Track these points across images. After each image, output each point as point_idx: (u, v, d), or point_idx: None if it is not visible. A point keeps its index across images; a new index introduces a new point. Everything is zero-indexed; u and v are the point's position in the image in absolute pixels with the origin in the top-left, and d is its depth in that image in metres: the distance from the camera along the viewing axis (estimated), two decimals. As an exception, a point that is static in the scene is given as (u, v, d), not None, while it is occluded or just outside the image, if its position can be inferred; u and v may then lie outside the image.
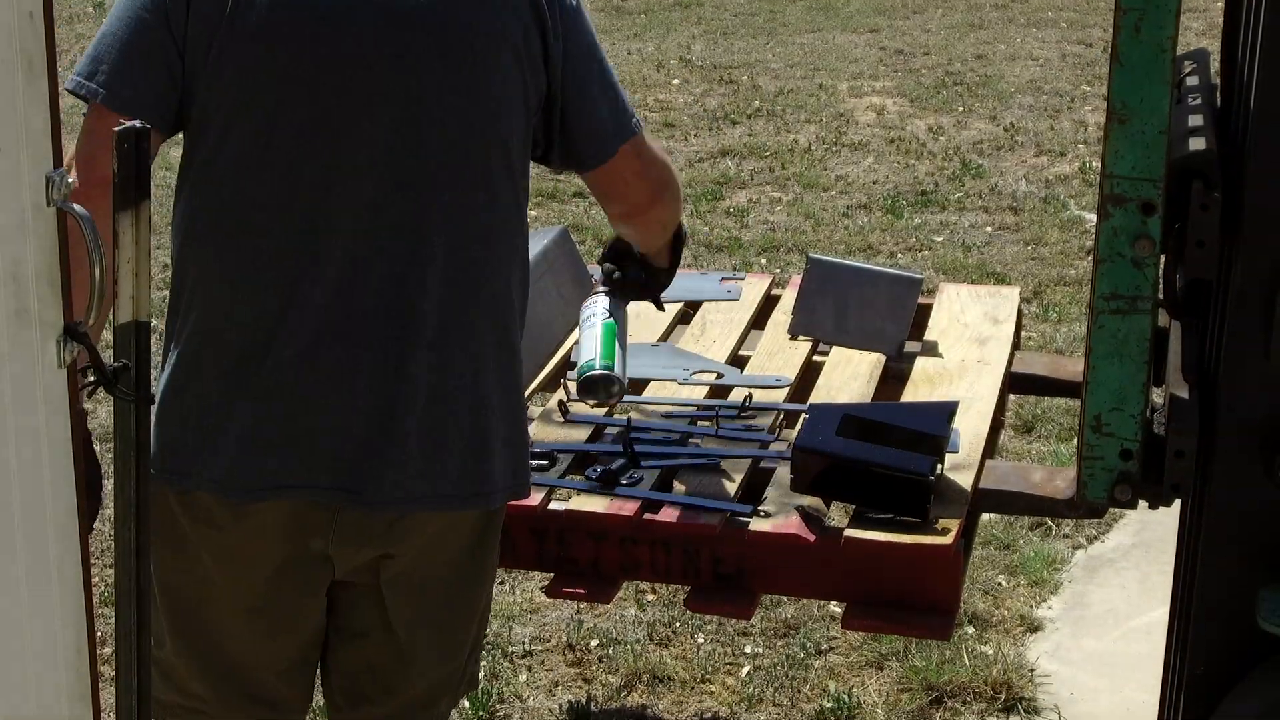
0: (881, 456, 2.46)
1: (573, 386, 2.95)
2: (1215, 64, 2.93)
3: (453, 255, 2.25)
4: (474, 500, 2.29)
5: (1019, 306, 3.27)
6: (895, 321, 3.07)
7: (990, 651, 3.72)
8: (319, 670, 2.47)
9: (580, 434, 2.78)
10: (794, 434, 2.62)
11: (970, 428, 2.73)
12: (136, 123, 1.93)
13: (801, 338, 3.15)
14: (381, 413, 2.24)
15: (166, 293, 2.38)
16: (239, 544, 2.30)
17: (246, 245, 2.25)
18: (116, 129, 1.98)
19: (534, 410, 2.95)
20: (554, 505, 2.57)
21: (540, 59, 2.31)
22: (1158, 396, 2.46)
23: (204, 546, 2.33)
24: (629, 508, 2.53)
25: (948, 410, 2.60)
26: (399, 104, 2.22)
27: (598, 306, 2.71)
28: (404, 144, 2.23)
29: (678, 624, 3.85)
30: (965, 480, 2.57)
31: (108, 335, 1.94)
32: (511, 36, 2.26)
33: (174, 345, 2.33)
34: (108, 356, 1.93)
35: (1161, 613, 3.09)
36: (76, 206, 1.89)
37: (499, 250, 2.30)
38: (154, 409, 2.19)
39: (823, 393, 2.93)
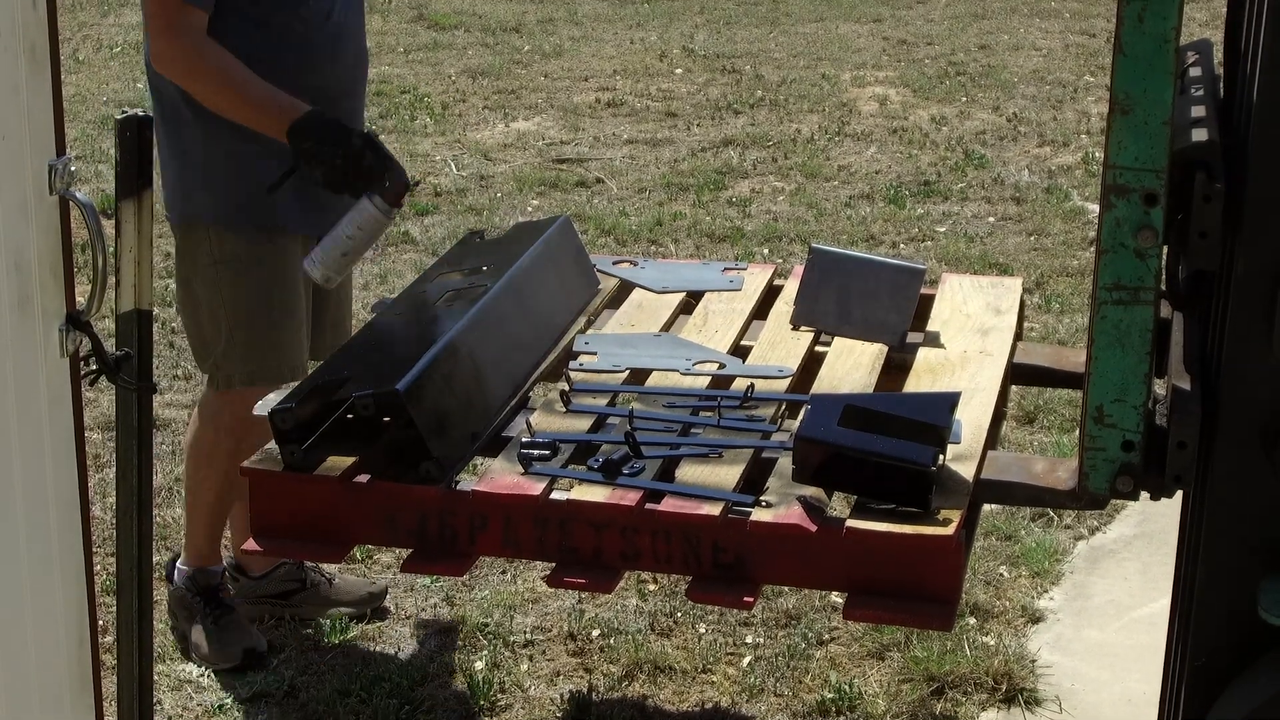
0: (883, 447, 2.46)
1: (574, 376, 2.95)
2: (1218, 54, 2.93)
3: None
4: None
5: (1021, 297, 3.27)
6: (898, 312, 3.07)
7: (991, 642, 3.72)
8: None
9: (582, 424, 2.78)
10: (796, 424, 2.62)
11: (972, 418, 2.73)
12: (138, 111, 1.94)
13: (804, 328, 3.15)
14: None
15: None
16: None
17: None
18: (118, 118, 1.99)
19: (536, 400, 2.95)
20: (556, 495, 2.57)
21: None
22: (1160, 387, 2.46)
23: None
24: (630, 497, 2.54)
25: (950, 401, 2.60)
26: None
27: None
28: None
29: (679, 614, 3.85)
30: (967, 471, 2.57)
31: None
32: None
33: None
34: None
35: (1163, 604, 3.09)
36: (79, 194, 1.89)
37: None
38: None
39: (825, 383, 2.93)
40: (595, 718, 3.48)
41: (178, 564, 3.79)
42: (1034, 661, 3.66)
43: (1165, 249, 2.37)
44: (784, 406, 2.86)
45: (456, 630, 3.81)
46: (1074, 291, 5.83)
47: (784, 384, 2.94)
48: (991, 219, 6.73)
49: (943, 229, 6.60)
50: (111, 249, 2.01)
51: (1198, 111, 2.47)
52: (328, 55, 3.44)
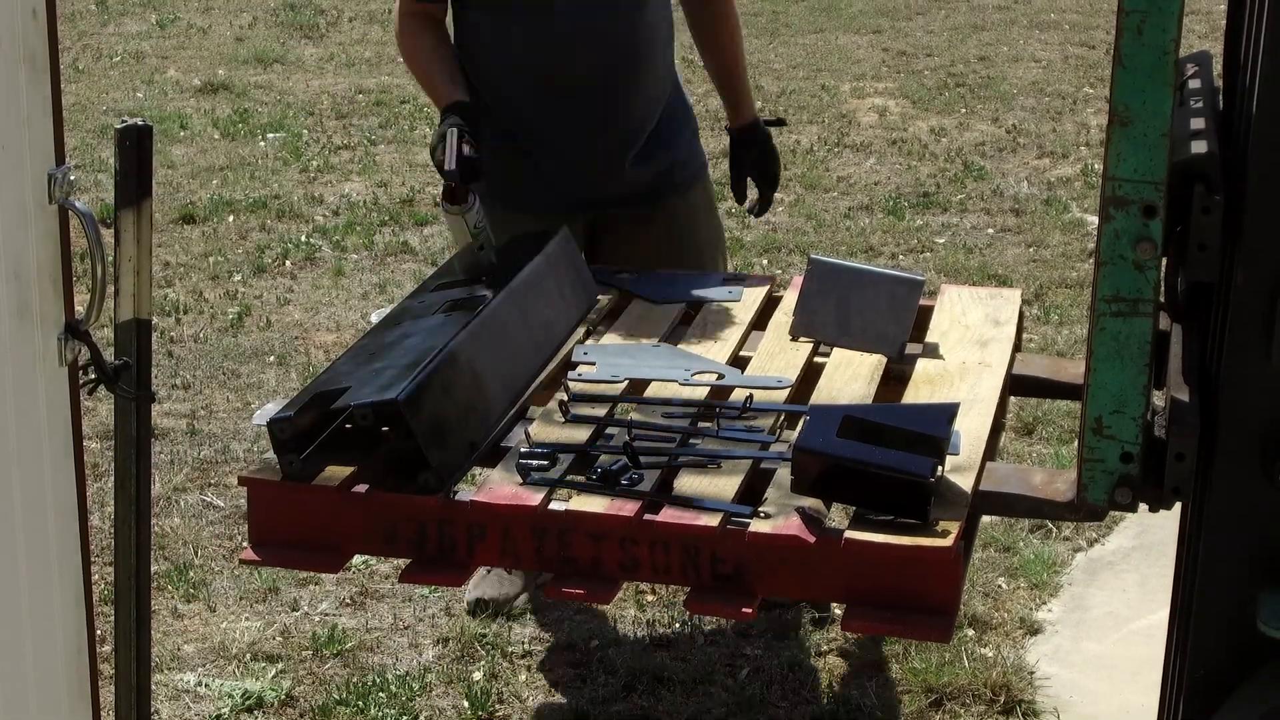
0: (882, 458, 2.46)
1: (574, 386, 2.95)
2: (1218, 66, 2.93)
3: None
4: None
5: (1020, 308, 3.27)
6: (896, 323, 3.07)
7: (990, 654, 3.72)
8: None
9: (581, 434, 2.78)
10: (794, 435, 2.62)
11: (971, 429, 2.73)
12: (138, 120, 1.94)
13: (803, 339, 3.15)
14: None
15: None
16: None
17: None
18: (118, 127, 1.99)
19: (535, 410, 2.95)
20: (554, 505, 2.57)
21: None
22: (1158, 399, 2.46)
23: None
24: (629, 508, 2.53)
25: (948, 412, 2.60)
26: None
27: None
28: None
29: (677, 625, 3.85)
30: (965, 482, 2.57)
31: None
32: None
33: None
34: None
35: (1161, 616, 3.09)
36: (78, 204, 1.89)
37: None
38: None
39: (823, 394, 2.93)
40: (593, 728, 3.48)
41: None
42: (1032, 673, 3.66)
43: (1164, 261, 2.37)
44: (783, 417, 2.86)
45: (455, 640, 3.81)
46: (1073, 303, 5.83)
47: (783, 395, 2.94)
48: (990, 230, 6.73)
49: (942, 240, 6.60)
50: (110, 258, 2.01)
51: (1197, 123, 2.47)
52: (561, 46, 3.52)
